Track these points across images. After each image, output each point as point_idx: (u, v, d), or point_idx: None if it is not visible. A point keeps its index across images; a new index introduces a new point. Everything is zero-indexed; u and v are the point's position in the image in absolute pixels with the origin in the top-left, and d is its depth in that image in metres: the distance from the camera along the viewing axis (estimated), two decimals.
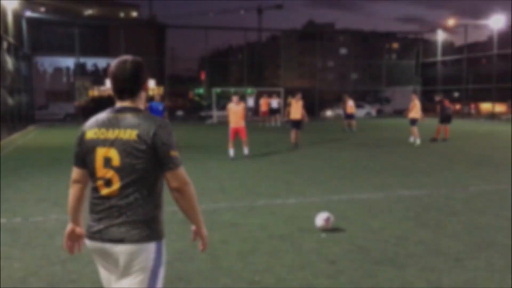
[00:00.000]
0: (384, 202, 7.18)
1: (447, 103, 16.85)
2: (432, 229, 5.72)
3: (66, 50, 30.55)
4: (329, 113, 35.48)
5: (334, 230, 5.64)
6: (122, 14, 66.72)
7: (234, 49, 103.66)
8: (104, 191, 2.34)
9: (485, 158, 12.22)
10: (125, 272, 2.32)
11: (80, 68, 35.19)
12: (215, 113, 31.03)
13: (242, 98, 27.36)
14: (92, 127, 2.42)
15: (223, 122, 29.27)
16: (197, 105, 39.72)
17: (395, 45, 75.92)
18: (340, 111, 36.00)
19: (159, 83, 48.95)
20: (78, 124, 28.79)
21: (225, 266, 4.52)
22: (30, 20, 27.92)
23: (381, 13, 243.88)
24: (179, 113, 33.11)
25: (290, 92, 32.52)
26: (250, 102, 25.81)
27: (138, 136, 2.28)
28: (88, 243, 2.41)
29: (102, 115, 2.47)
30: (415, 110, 16.01)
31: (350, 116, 21.51)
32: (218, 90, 35.75)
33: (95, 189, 2.39)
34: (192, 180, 7.52)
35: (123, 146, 2.29)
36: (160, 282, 2.41)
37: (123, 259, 2.30)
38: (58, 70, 42.36)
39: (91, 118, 2.50)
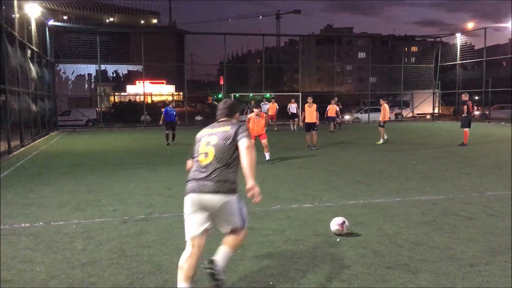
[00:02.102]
0: (400, 206, 7.19)
1: (471, 105, 16.53)
2: (447, 234, 5.72)
3: (88, 57, 31.13)
4: (347, 117, 35.40)
5: (349, 234, 5.68)
6: (142, 21, 67.66)
7: (253, 54, 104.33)
8: (202, 159, 3.89)
9: (503, 162, 12.07)
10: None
11: (102, 75, 35.78)
12: None
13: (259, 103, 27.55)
14: (205, 129, 4.13)
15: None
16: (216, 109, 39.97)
17: (414, 49, 75.25)
18: (358, 115, 35.91)
19: (178, 88, 49.41)
20: (99, 129, 29.34)
21: (241, 270, 4.61)
22: (53, 28, 28.56)
23: (400, 17, 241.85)
24: (198, 118, 33.37)
25: (307, 97, 32.48)
26: (265, 108, 26.08)
27: (231, 128, 3.92)
28: None
29: (213, 124, 4.17)
30: (387, 114, 17.99)
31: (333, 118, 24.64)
32: (237, 95, 35.99)
33: (196, 160, 3.96)
34: None
35: (221, 134, 3.89)
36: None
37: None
38: (80, 77, 43.18)
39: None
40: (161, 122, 18.09)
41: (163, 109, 18.46)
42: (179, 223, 6.32)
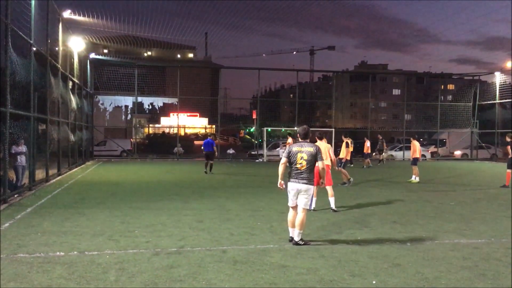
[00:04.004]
0: (439, 249, 6.92)
1: None
2: (490, 280, 5.44)
3: (125, 89, 32.05)
4: (383, 154, 34.87)
5: (386, 277, 5.48)
6: (179, 55, 69.55)
7: (286, 89, 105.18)
8: (299, 166, 7.04)
9: None
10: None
11: (138, 107, 36.67)
12: (265, 152, 31.26)
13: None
14: (295, 146, 7.16)
15: (273, 160, 29.51)
16: (248, 143, 40.17)
17: (451, 87, 74.35)
18: (393, 152, 35.36)
19: (211, 121, 50.07)
20: (133, 160, 29.85)
21: None
22: (93, 61, 29.65)
23: (436, 54, 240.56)
24: (230, 151, 33.58)
25: (342, 133, 32.37)
26: (289, 140, 26.29)
27: (313, 149, 7.09)
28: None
29: (299, 143, 7.25)
30: (417, 151, 17.54)
31: (367, 155, 25.80)
32: (269, 129, 36.13)
33: (295, 166, 7.08)
34: (241, 219, 7.67)
35: (308, 152, 7.05)
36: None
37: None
38: (117, 108, 44.37)
39: (290, 145, 7.33)
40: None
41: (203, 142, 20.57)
42: (211, 257, 6.27)
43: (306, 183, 7.03)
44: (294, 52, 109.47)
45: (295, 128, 36.66)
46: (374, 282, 5.34)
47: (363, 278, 5.49)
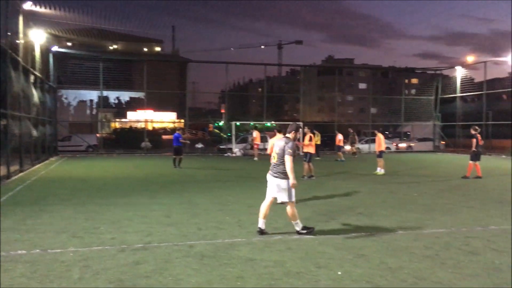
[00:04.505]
0: (402, 239, 7.09)
1: (480, 138, 16.35)
2: (450, 269, 5.62)
3: (90, 83, 31.38)
4: (347, 147, 35.38)
5: (351, 268, 5.59)
6: (145, 49, 68.53)
7: (254, 83, 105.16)
8: (272, 160, 7.36)
9: (505, 196, 12.00)
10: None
11: (103, 101, 35.97)
12: (235, 146, 31.24)
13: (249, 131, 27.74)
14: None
15: (245, 155, 29.53)
16: (217, 138, 40.07)
17: (414, 81, 75.92)
18: (359, 145, 35.94)
19: (179, 115, 49.61)
20: (99, 155, 29.30)
21: None
22: (56, 54, 28.88)
23: (400, 49, 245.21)
24: (199, 145, 33.39)
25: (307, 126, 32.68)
26: (254, 134, 26.41)
27: (283, 143, 7.21)
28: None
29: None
30: (382, 144, 17.87)
31: (339, 148, 26.57)
32: (237, 123, 36.10)
33: (272, 160, 7.42)
34: (209, 214, 7.63)
35: (279, 147, 7.25)
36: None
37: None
38: (81, 103, 43.47)
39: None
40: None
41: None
42: (178, 252, 6.24)
43: (276, 177, 7.20)
44: (262, 47, 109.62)
45: (264, 122, 36.84)
46: (339, 273, 5.43)
47: (329, 269, 5.57)
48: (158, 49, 72.28)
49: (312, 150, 15.74)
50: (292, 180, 7.05)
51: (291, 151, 7.14)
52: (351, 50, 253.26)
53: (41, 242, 6.79)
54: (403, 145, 37.78)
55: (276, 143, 7.38)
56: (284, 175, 7.15)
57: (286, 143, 7.22)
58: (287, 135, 7.52)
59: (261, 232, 7.32)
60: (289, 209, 7.27)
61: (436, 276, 5.34)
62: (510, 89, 32.04)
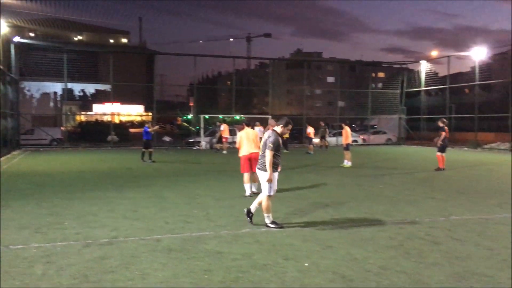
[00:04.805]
0: (367, 230, 7.22)
1: (447, 131, 16.62)
2: (414, 258, 5.76)
3: (54, 75, 30.55)
4: (316, 140, 35.71)
5: (317, 259, 5.66)
6: (112, 41, 67.18)
7: (223, 76, 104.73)
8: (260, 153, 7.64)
9: (467, 187, 12.38)
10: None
11: (68, 93, 35.11)
12: (203, 139, 31.07)
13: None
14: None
15: (212, 148, 29.39)
16: (186, 131, 39.77)
17: (381, 74, 77.22)
18: (327, 138, 36.33)
19: (147, 108, 48.94)
20: (64, 149, 28.63)
21: None
22: (18, 45, 27.99)
23: (367, 43, 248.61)
24: (166, 139, 33.04)
25: (278, 120, 32.69)
26: (222, 127, 26.43)
27: (266, 137, 7.36)
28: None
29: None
30: (349, 136, 18.06)
31: (310, 141, 26.79)
32: (206, 116, 35.90)
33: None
34: (177, 208, 7.57)
35: (263, 140, 7.45)
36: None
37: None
38: (45, 95, 42.31)
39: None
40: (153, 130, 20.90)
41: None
42: (145, 247, 6.18)
43: (259, 169, 7.45)
44: (231, 39, 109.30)
45: (233, 116, 36.75)
46: (306, 264, 5.49)
47: (296, 261, 5.63)
48: (124, 40, 71.02)
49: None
50: (268, 175, 7.18)
51: (271, 145, 7.19)
52: (319, 44, 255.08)
53: (3, 238, 6.59)
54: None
55: (264, 136, 7.49)
56: (261, 167, 7.36)
57: (269, 136, 7.31)
58: (275, 128, 7.48)
59: (277, 224, 7.43)
60: (264, 201, 7.37)
61: (400, 265, 5.47)
62: (472, 83, 32.95)
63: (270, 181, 7.21)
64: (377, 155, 24.71)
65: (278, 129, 7.41)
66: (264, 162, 7.31)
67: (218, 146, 26.72)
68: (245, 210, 7.75)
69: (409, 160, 21.89)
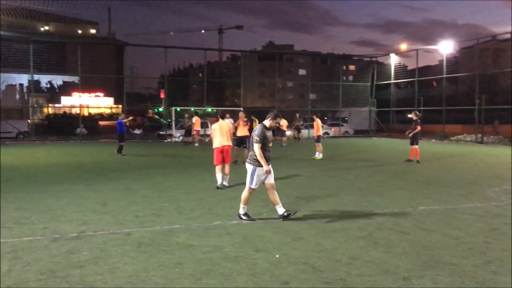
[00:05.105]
0: (338, 221, 7.31)
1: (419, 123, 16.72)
2: (383, 248, 5.87)
3: (19, 66, 29.69)
4: (288, 132, 35.87)
5: (288, 251, 5.70)
6: (80, 31, 65.70)
7: (195, 69, 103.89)
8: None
9: (435, 178, 12.67)
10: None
11: (35, 85, 34.20)
12: (175, 131, 30.81)
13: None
14: None
15: (185, 142, 29.18)
16: (157, 123, 39.34)
17: (352, 67, 78.07)
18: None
19: (117, 101, 48.18)
20: (30, 142, 27.93)
21: None
22: None
23: (338, 36, 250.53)
24: (137, 131, 32.63)
25: (250, 112, 32.80)
26: (194, 120, 26.39)
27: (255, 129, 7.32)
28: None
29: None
30: (320, 129, 18.25)
31: (283, 133, 26.94)
32: (178, 109, 35.59)
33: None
34: (147, 201, 7.52)
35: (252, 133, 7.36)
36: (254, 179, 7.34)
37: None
38: (10, 87, 41.12)
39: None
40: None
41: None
42: (114, 241, 6.10)
43: (247, 162, 7.49)
44: (203, 31, 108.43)
45: (205, 108, 36.53)
46: (277, 256, 5.52)
47: (267, 252, 5.65)
48: (93, 31, 69.53)
49: (245, 134, 15.47)
50: (265, 167, 7.15)
51: (257, 138, 7.16)
52: (291, 37, 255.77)
53: None
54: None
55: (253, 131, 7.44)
56: (251, 161, 7.29)
57: (255, 130, 7.30)
58: (264, 122, 7.39)
59: (249, 217, 7.41)
60: (244, 192, 7.40)
61: (369, 255, 5.56)
62: (440, 76, 33.65)
63: (268, 172, 7.21)
64: (348, 147, 25.02)
65: (267, 122, 7.34)
66: (250, 155, 7.31)
67: (186, 139, 26.55)
68: (243, 212, 7.48)
69: (379, 152, 22.25)
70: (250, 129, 16.33)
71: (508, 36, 32.59)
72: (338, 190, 10.47)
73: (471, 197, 9.68)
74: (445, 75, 32.32)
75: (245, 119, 15.65)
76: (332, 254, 5.61)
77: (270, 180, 7.40)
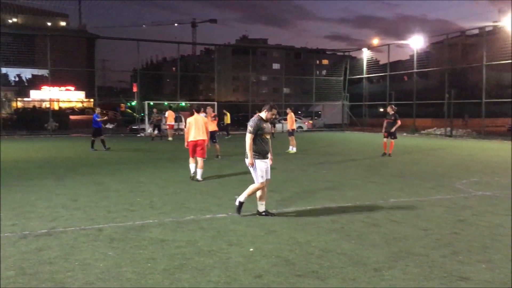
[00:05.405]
0: (311, 214, 7.38)
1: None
2: (354, 240, 5.95)
3: None
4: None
5: (262, 244, 5.72)
6: (49, 23, 64.16)
7: (168, 62, 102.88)
8: None
9: (405, 171, 12.91)
10: None
11: (2, 79, 33.27)
12: (148, 126, 30.49)
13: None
14: None
15: (160, 136, 28.90)
16: (130, 118, 38.85)
17: (325, 62, 78.61)
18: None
19: (88, 95, 47.34)
20: None
21: (150, 284, 4.44)
22: None
23: (312, 30, 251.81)
24: (109, 125, 32.15)
25: (224, 106, 32.76)
26: (166, 114, 26.26)
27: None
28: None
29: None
30: (293, 122, 18.33)
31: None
32: (151, 102, 35.23)
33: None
34: (120, 196, 7.43)
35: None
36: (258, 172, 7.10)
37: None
38: None
39: None
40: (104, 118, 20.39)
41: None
42: (85, 237, 6.02)
43: (245, 157, 7.22)
44: (176, 24, 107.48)
45: (179, 102, 36.25)
46: (251, 249, 5.54)
47: (240, 246, 5.66)
48: (63, 23, 68.04)
49: (214, 128, 15.45)
50: (249, 159, 7.03)
51: (250, 128, 7.03)
52: (265, 31, 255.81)
53: None
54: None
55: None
56: (245, 156, 7.15)
57: (250, 121, 7.13)
58: (261, 114, 7.21)
59: (265, 213, 7.23)
60: (256, 191, 7.20)
61: (341, 247, 5.63)
62: (411, 71, 34.20)
63: (250, 164, 7.07)
64: (321, 141, 25.23)
65: (263, 114, 7.18)
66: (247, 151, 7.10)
67: (154, 134, 26.29)
68: (236, 198, 7.47)
69: (352, 145, 22.52)
70: (219, 124, 16.29)
71: (477, 31, 33.33)
72: (311, 184, 10.56)
73: (440, 189, 9.91)
74: (415, 70, 32.88)
75: (213, 114, 15.67)
76: (304, 247, 5.66)
77: (267, 175, 7.27)
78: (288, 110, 18.81)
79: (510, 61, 26.59)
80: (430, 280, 4.55)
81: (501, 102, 32.50)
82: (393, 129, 16.40)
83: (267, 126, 7.21)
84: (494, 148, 21.12)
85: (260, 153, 7.11)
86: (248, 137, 7.03)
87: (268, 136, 7.24)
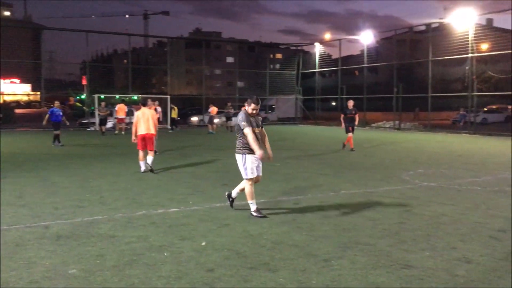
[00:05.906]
0: (264, 207, 7.41)
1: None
2: (305, 232, 6.05)
3: None
4: (216, 120, 35.75)
5: (214, 238, 5.72)
6: None
7: (119, 54, 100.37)
8: None
9: (356, 163, 13.23)
10: None
11: None
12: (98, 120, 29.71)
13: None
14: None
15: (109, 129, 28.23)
16: (79, 111, 37.69)
17: (279, 56, 79.13)
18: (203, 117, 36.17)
19: (35, 88, 45.59)
20: None
21: (99, 281, 4.35)
22: None
23: (265, 24, 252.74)
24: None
25: (177, 99, 32.40)
26: (117, 108, 25.84)
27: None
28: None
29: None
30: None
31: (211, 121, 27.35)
32: (102, 96, 34.30)
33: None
34: (68, 192, 7.25)
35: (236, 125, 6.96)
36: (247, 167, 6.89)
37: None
38: None
39: None
40: (44, 122, 18.42)
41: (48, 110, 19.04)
42: (31, 234, 5.83)
43: (235, 152, 6.99)
44: (127, 16, 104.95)
45: (131, 95, 35.50)
46: (203, 243, 5.52)
47: (192, 240, 5.64)
48: (7, 13, 65.02)
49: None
50: (258, 151, 6.64)
51: (244, 123, 6.71)
52: (218, 24, 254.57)
53: None
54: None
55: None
56: (239, 150, 6.87)
57: (238, 116, 6.92)
58: (246, 108, 6.98)
59: (260, 213, 6.86)
60: (245, 187, 6.97)
61: (292, 239, 5.71)
62: (361, 66, 34.99)
63: (262, 156, 6.71)
64: (274, 135, 25.42)
65: (249, 108, 6.94)
66: (237, 144, 6.89)
67: (101, 128, 25.68)
68: (226, 193, 7.38)
69: (305, 139, 22.84)
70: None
71: (423, 28, 34.49)
72: (264, 177, 10.58)
73: (388, 180, 10.23)
74: (366, 65, 33.68)
75: (153, 107, 15.52)
76: (257, 239, 5.70)
77: (258, 171, 7.01)
78: (246, 104, 18.74)
79: (454, 56, 27.73)
80: (376, 269, 4.70)
81: (446, 96, 33.84)
82: (356, 124, 16.70)
83: (254, 120, 6.92)
84: (439, 140, 22.00)
85: (249, 148, 6.77)
86: (249, 130, 6.67)
87: (257, 130, 6.91)
